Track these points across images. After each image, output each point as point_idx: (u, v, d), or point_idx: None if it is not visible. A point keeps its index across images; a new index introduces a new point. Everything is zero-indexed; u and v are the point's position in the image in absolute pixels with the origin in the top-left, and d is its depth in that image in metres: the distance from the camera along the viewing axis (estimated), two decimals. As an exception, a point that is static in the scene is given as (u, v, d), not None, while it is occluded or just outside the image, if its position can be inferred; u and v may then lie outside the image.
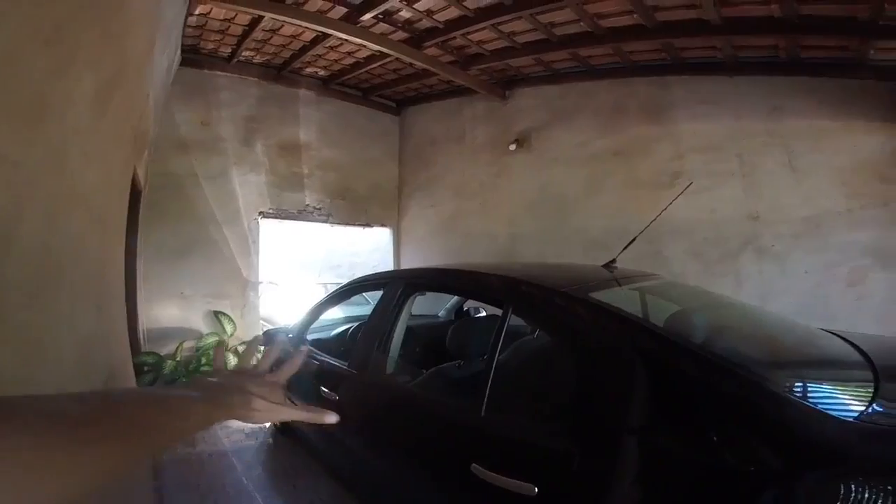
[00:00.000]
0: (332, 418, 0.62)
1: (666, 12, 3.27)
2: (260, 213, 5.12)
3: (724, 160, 3.58)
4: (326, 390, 2.10)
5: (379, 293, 2.02)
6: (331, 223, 5.70)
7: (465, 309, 3.85)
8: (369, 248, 6.79)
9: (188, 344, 4.53)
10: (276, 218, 5.29)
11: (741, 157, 3.53)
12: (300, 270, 7.23)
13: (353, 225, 5.92)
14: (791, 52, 3.24)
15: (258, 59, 4.84)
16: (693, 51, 3.71)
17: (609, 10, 3.38)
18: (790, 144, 3.35)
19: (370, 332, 1.99)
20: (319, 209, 5.60)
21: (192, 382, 0.55)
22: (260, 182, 5.15)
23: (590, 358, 1.07)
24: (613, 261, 1.81)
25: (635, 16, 3.38)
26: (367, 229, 6.13)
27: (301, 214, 5.46)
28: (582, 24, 3.63)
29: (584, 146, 4.32)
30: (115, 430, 0.36)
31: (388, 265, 6.24)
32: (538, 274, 1.39)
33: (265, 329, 3.17)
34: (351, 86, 5.62)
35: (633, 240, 1.92)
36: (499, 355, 1.23)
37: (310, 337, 2.90)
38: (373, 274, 2.38)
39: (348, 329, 3.09)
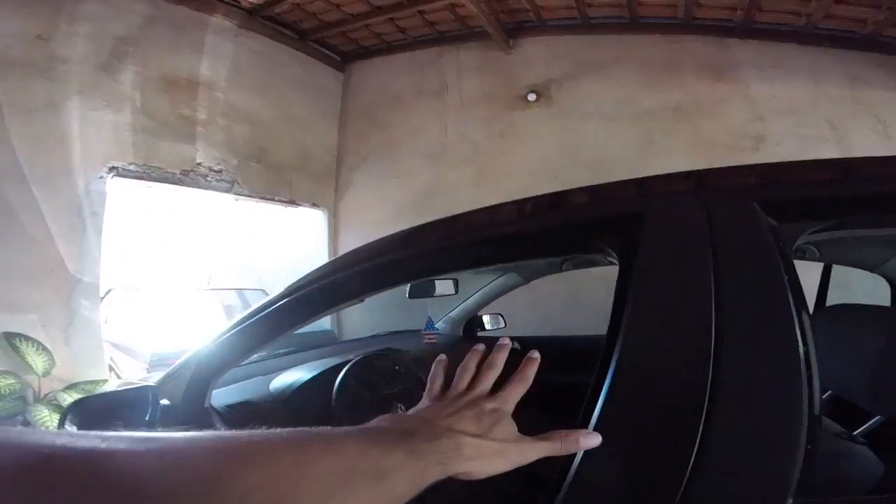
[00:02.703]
0: (594, 440, 0.41)
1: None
2: (111, 168, 3.02)
3: (812, 124, 3.08)
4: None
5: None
6: (236, 194, 3.74)
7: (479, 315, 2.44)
8: (287, 243, 4.75)
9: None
10: (140, 178, 3.22)
11: (831, 123, 3.03)
12: (177, 270, 4.75)
13: (272, 200, 4.02)
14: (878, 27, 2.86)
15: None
16: (769, 14, 3.17)
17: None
18: (880, 114, 2.93)
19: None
20: (219, 172, 3.63)
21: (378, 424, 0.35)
22: (120, 124, 3.16)
23: None
24: None
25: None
26: (293, 208, 4.25)
27: (188, 177, 3.44)
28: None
29: (630, 101, 3.48)
30: None
31: (316, 264, 4.37)
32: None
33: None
34: (285, 24, 4.16)
35: None
36: None
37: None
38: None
39: None
